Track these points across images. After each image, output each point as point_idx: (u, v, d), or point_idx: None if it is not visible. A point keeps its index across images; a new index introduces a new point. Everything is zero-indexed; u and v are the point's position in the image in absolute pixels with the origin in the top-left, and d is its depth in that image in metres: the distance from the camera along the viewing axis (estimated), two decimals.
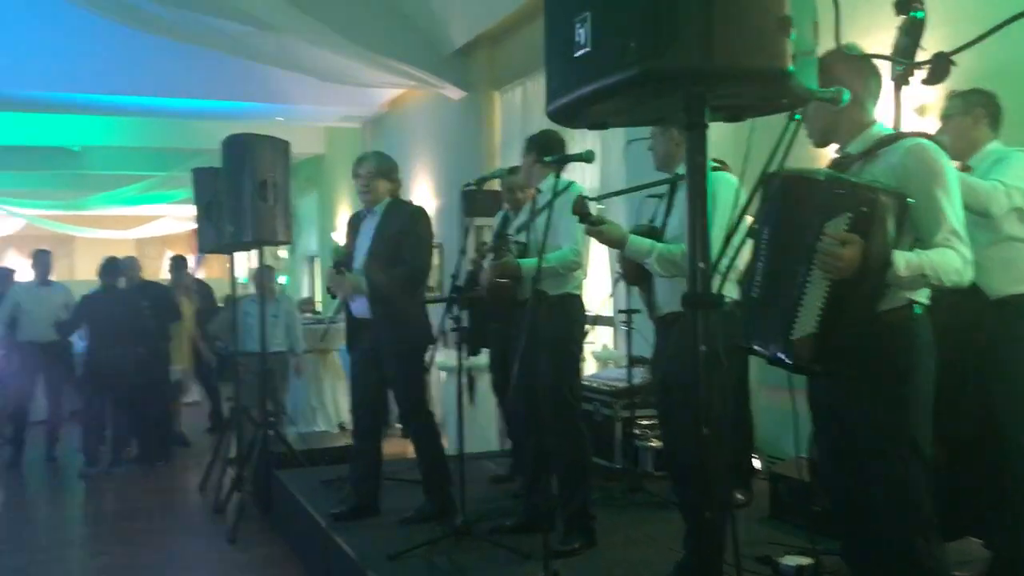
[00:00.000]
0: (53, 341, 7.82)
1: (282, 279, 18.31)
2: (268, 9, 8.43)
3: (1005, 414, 3.14)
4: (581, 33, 1.37)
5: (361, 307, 4.56)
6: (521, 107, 8.91)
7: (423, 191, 11.14)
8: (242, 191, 5.45)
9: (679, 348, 3.27)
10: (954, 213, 2.38)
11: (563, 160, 3.44)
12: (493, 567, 3.73)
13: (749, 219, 2.57)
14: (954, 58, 3.10)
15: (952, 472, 3.16)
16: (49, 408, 7.99)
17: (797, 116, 2.19)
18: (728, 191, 3.19)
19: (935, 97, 4.26)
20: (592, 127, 1.65)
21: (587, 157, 3.38)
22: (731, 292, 3.21)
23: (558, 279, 3.87)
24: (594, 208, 3.30)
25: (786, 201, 2.44)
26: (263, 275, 6.92)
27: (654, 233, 3.33)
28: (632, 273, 3.38)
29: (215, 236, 6.06)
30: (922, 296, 2.43)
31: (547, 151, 3.82)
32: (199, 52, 10.21)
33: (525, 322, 3.31)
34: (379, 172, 4.62)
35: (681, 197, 3.33)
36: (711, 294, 1.46)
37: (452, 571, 3.67)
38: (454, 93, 10.09)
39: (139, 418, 7.91)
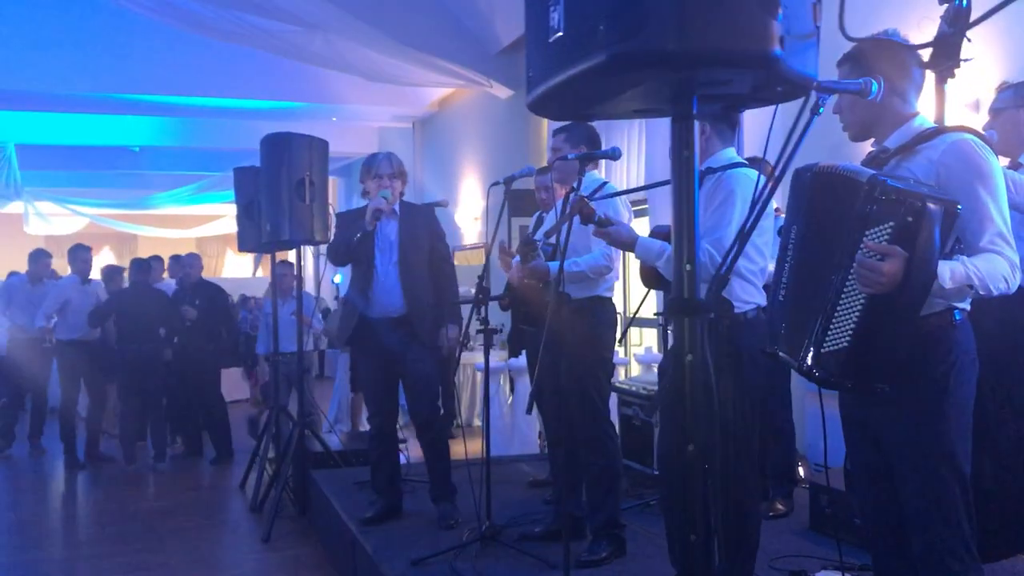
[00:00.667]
0: (94, 339, 7.90)
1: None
2: (313, 9, 8.44)
3: None
4: (555, 16, 1.26)
5: (383, 306, 4.50)
6: None
7: (472, 190, 11.10)
8: (280, 190, 5.44)
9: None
10: (1000, 215, 2.20)
11: (587, 157, 3.32)
12: (516, 575, 3.64)
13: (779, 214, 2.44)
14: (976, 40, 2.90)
15: (1001, 487, 2.98)
16: (90, 406, 8.06)
17: (821, 110, 2.08)
18: (747, 188, 3.04)
19: (989, 91, 4.06)
20: (576, 118, 1.54)
21: (612, 155, 3.26)
22: (756, 298, 3.09)
23: (587, 282, 3.76)
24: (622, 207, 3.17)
25: (819, 198, 2.27)
26: (279, 272, 6.91)
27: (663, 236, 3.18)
28: (646, 276, 3.22)
29: (255, 235, 6.07)
30: (963, 301, 2.26)
31: (576, 145, 3.71)
32: (253, 54, 10.35)
33: (546, 326, 3.19)
34: (397, 173, 4.61)
35: (702, 195, 3.18)
36: (698, 300, 1.34)
37: None
38: (502, 92, 10.04)
39: (180, 415, 8.00)
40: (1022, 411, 3.05)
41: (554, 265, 3.83)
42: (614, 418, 5.38)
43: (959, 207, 2.07)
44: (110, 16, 10.21)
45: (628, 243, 3.09)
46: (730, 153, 3.20)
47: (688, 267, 1.33)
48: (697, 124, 3.09)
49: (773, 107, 2.14)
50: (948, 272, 2.09)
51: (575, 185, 3.48)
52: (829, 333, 2.15)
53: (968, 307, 2.29)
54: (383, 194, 4.51)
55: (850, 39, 2.36)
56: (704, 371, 1.34)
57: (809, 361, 2.19)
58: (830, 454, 5.48)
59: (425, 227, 4.62)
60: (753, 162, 4.67)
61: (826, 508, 4.08)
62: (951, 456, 2.22)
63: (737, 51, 1.17)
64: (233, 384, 10.99)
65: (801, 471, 4.88)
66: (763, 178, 4.48)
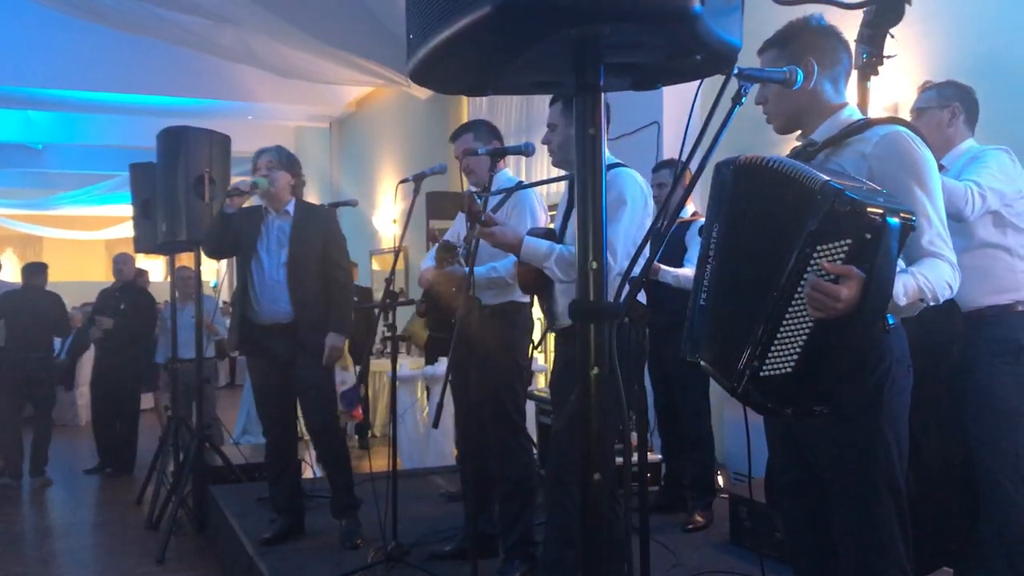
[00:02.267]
0: None
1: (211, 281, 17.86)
2: (223, 1, 8.08)
3: (978, 437, 2.86)
4: None
5: (270, 311, 4.21)
6: (488, 107, 8.62)
7: (390, 193, 10.84)
8: (176, 187, 5.13)
9: (569, 364, 2.96)
10: (936, 213, 2.05)
11: (498, 152, 3.13)
12: None
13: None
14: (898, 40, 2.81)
15: (925, 500, 2.89)
16: None
17: (743, 100, 1.91)
18: (635, 188, 2.89)
19: (909, 93, 3.99)
20: (468, 92, 1.34)
21: (525, 150, 3.06)
22: None
23: (503, 287, 3.55)
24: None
25: (747, 196, 2.07)
26: (177, 277, 6.56)
27: (551, 237, 2.98)
28: (528, 280, 3.00)
29: (153, 235, 5.71)
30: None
31: (486, 141, 3.49)
32: (161, 48, 9.94)
33: (455, 333, 2.98)
34: (282, 163, 4.28)
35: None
36: (606, 303, 1.14)
37: None
38: (421, 92, 9.81)
39: (101, 427, 7.57)
40: (945, 423, 2.96)
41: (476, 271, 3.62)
42: (531, 427, 5.20)
43: (913, 219, 1.87)
44: (8, 5, 9.69)
45: (514, 244, 2.86)
46: (608, 155, 3.03)
47: (594, 265, 1.13)
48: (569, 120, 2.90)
49: (691, 100, 1.98)
50: (902, 288, 1.93)
51: (486, 184, 3.29)
52: (769, 356, 1.93)
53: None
54: (256, 179, 4.20)
55: (814, 26, 2.18)
56: (614, 386, 1.14)
57: (744, 386, 1.98)
58: (751, 464, 5.41)
59: (320, 230, 4.29)
60: (667, 165, 4.58)
61: (746, 521, 3.95)
62: (886, 472, 2.05)
63: (649, 2, 0.97)
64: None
65: (720, 480, 4.76)
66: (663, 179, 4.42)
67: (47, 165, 16.43)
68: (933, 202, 2.05)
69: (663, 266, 4.15)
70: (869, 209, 1.80)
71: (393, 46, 9.41)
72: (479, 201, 2.87)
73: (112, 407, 7.48)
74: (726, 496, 4.37)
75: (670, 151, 5.38)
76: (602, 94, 1.15)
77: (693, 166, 1.89)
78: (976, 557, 3.00)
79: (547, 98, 2.88)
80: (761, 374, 1.94)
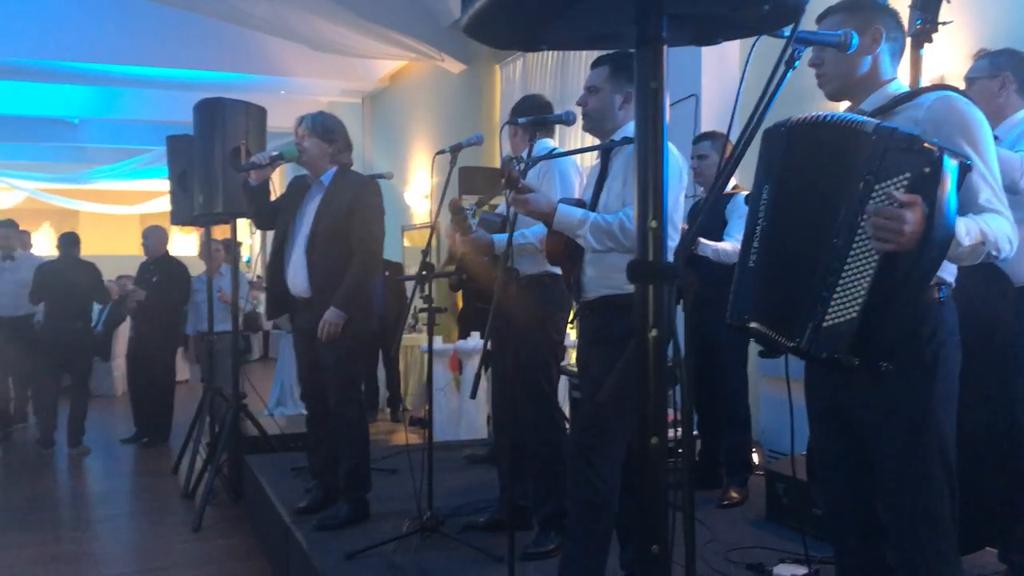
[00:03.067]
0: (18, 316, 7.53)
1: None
2: None
3: None
4: None
5: (294, 284, 4.16)
6: (521, 80, 8.56)
7: (422, 168, 10.82)
8: (213, 159, 5.13)
9: (596, 337, 2.90)
10: (991, 174, 2.02)
11: (538, 122, 3.08)
12: (459, 569, 3.41)
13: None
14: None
15: (968, 479, 2.84)
16: (13, 386, 7.72)
17: (796, 64, 1.86)
18: (672, 161, 2.78)
19: (957, 64, 3.90)
20: (523, 47, 1.30)
21: (566, 119, 3.02)
22: None
23: (539, 257, 3.52)
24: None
25: (801, 154, 2.05)
26: (209, 250, 6.59)
27: (582, 207, 2.90)
28: (557, 250, 2.93)
29: (189, 207, 5.73)
30: (949, 276, 2.08)
31: (524, 114, 3.44)
32: (198, 22, 9.97)
33: (493, 304, 2.94)
34: (314, 131, 4.12)
35: (618, 165, 2.88)
36: (666, 263, 1.11)
37: (414, 573, 3.35)
38: (454, 66, 9.77)
39: (138, 398, 7.65)
40: (992, 398, 2.91)
41: (499, 238, 3.59)
42: (564, 402, 5.20)
43: (969, 162, 1.87)
44: None
45: (547, 212, 2.78)
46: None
47: (654, 224, 1.10)
48: (620, 93, 2.85)
49: (730, 73, 1.93)
50: (964, 229, 1.88)
51: (523, 155, 3.24)
52: (833, 303, 1.90)
53: (953, 283, 2.10)
54: (282, 150, 4.12)
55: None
56: (673, 350, 1.11)
57: (808, 339, 1.94)
58: (786, 441, 5.36)
59: (347, 202, 4.08)
60: (708, 137, 4.51)
61: (783, 497, 3.92)
62: (939, 445, 2.03)
63: None
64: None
65: (756, 458, 4.72)
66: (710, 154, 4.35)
67: (83, 140, 16.57)
68: (987, 163, 2.01)
69: (702, 239, 4.10)
70: (925, 144, 1.82)
71: (426, 20, 9.37)
72: (518, 168, 2.81)
73: (147, 378, 7.57)
74: (761, 473, 4.33)
75: (708, 124, 5.30)
76: (664, 47, 1.11)
77: (735, 136, 1.84)
78: (1019, 537, 2.95)
79: (581, 69, 2.84)
80: (825, 324, 1.91)
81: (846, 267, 1.89)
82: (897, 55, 2.20)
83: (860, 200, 1.87)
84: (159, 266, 7.54)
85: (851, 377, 2.05)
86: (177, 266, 7.61)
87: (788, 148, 2.07)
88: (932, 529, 2.02)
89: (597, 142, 3.00)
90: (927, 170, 1.80)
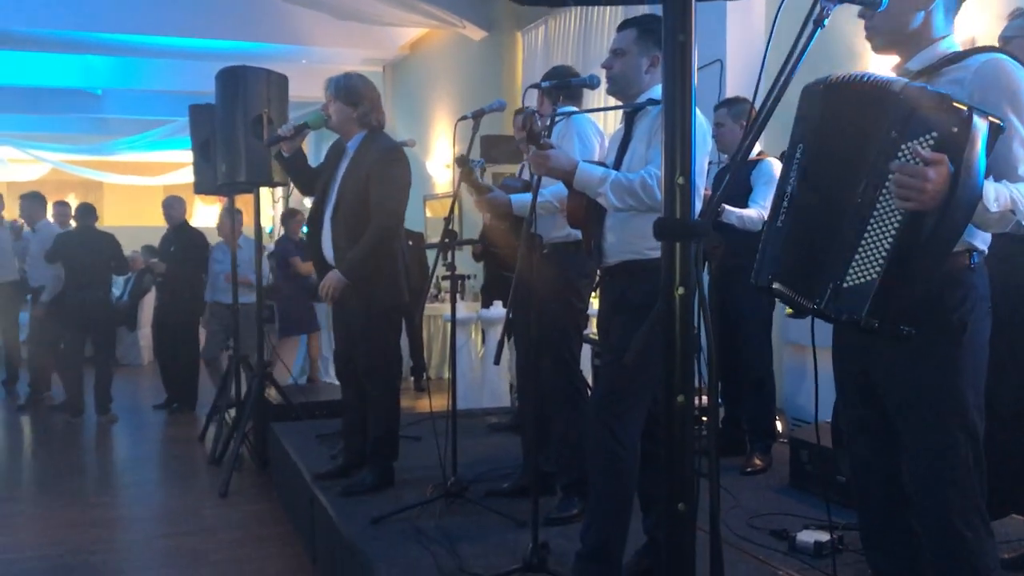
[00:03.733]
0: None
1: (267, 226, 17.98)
2: None
3: None
4: None
5: (328, 252, 4.13)
6: (543, 47, 8.48)
7: (444, 137, 10.79)
8: (235, 128, 5.14)
9: (617, 303, 2.86)
10: None
11: (561, 85, 3.06)
12: (483, 533, 3.44)
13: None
14: None
15: (995, 446, 2.82)
16: (30, 351, 7.86)
17: (824, 23, 1.82)
18: (698, 128, 2.69)
19: (988, 25, 3.82)
20: (549, 2, 1.28)
21: (590, 83, 2.99)
22: None
23: (557, 223, 3.50)
24: None
25: (836, 112, 1.99)
26: (229, 219, 6.61)
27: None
28: (578, 212, 2.87)
29: (212, 177, 5.75)
30: (981, 243, 2.03)
31: (550, 79, 3.40)
32: None
33: (516, 271, 2.93)
34: (337, 94, 4.03)
35: (642, 128, 2.82)
36: (694, 220, 1.10)
37: (438, 537, 3.38)
38: (475, 33, 9.70)
39: (165, 367, 7.76)
40: (1019, 367, 2.87)
41: (517, 198, 3.57)
42: (587, 370, 5.20)
43: (1002, 124, 1.82)
44: None
45: (568, 171, 2.71)
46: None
47: (681, 180, 1.08)
48: (646, 56, 2.80)
49: (755, 38, 1.88)
50: (993, 192, 1.83)
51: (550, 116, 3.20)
52: (853, 264, 1.87)
53: (986, 250, 2.05)
54: (307, 120, 4.07)
55: None
56: (699, 306, 1.10)
57: (827, 300, 1.90)
58: (808, 408, 5.36)
59: (368, 166, 3.97)
60: (725, 104, 4.45)
61: (807, 464, 3.91)
62: (964, 411, 1.99)
63: None
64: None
65: (779, 426, 4.71)
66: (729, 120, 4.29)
67: (106, 111, 16.62)
68: None
69: (727, 206, 4.06)
70: (954, 103, 1.79)
71: None
72: (540, 124, 2.76)
73: (172, 346, 7.65)
74: (785, 441, 4.32)
75: (733, 89, 5.24)
76: (693, 1, 1.09)
77: (760, 102, 1.80)
78: None
79: (604, 35, 2.78)
80: (845, 285, 1.88)
81: (869, 227, 1.86)
82: (952, 11, 2.09)
83: (886, 158, 1.83)
84: (177, 235, 7.61)
85: (877, 342, 2.02)
86: (195, 235, 7.67)
87: (823, 106, 2.02)
88: (958, 497, 1.99)
89: None
90: (955, 129, 1.77)
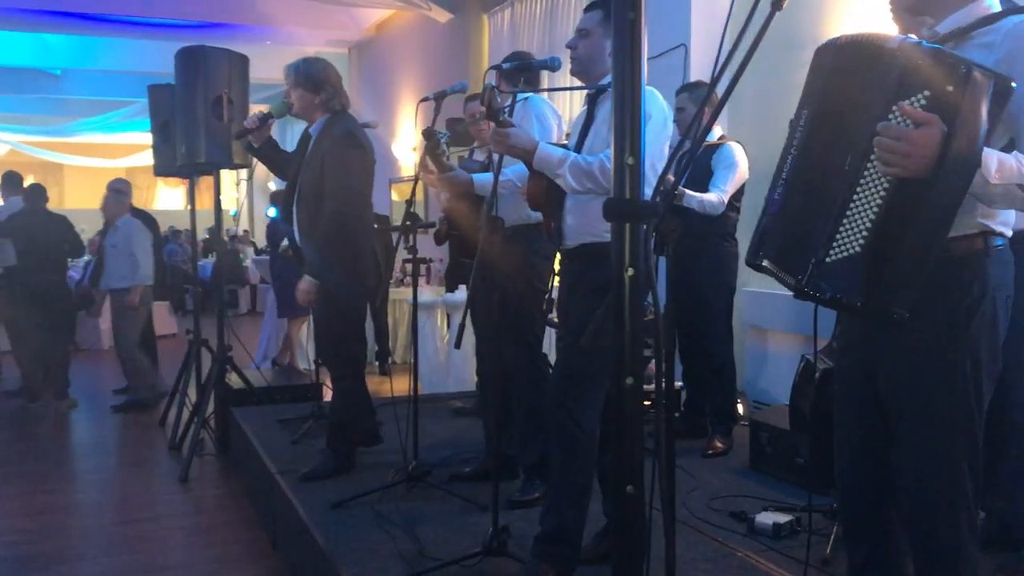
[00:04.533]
0: None
1: (271, 211, 17.88)
2: None
3: (1012, 370, 2.78)
4: None
5: (297, 237, 4.10)
6: (509, 30, 8.45)
7: (410, 119, 10.72)
8: (195, 108, 5.06)
9: (576, 285, 2.84)
10: None
11: (521, 68, 3.04)
12: (444, 517, 3.43)
13: None
14: None
15: None
16: None
17: (783, 6, 1.78)
18: (658, 107, 2.72)
19: None
20: None
21: (551, 65, 2.97)
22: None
23: (518, 205, 3.49)
24: None
25: (839, 74, 1.81)
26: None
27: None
28: (538, 193, 2.85)
29: (171, 158, 5.66)
30: (1001, 225, 1.83)
31: (515, 82, 3.36)
32: None
33: (477, 254, 2.91)
34: (297, 81, 3.97)
35: (605, 111, 2.78)
36: (643, 201, 1.09)
37: (399, 521, 3.36)
38: (441, 15, 9.64)
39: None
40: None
41: (479, 177, 3.54)
42: (550, 353, 5.20)
43: (1014, 85, 1.63)
44: None
45: (528, 150, 2.68)
46: None
47: (631, 160, 1.07)
48: (611, 38, 2.77)
49: (720, 22, 1.83)
50: (995, 162, 1.63)
51: (507, 103, 3.17)
52: (837, 237, 1.71)
53: (1010, 232, 1.85)
54: (272, 108, 4.04)
55: None
56: (647, 287, 1.09)
57: (809, 277, 1.74)
58: (768, 391, 5.42)
59: (323, 154, 3.89)
60: (686, 88, 4.46)
61: (767, 447, 3.95)
62: (963, 415, 1.82)
63: None
64: (159, 318, 10.57)
65: (740, 409, 4.75)
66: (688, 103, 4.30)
67: (66, 91, 16.32)
68: None
69: (687, 190, 4.07)
70: (950, 60, 1.63)
71: None
72: (499, 100, 2.73)
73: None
74: (746, 424, 4.36)
75: (697, 74, 5.25)
76: None
77: (721, 87, 1.76)
78: (998, 485, 2.97)
79: (569, 18, 2.77)
80: (828, 260, 1.73)
81: (855, 196, 1.70)
82: None
83: (877, 120, 1.66)
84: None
85: (880, 334, 1.88)
86: (147, 219, 7.55)
87: (831, 69, 1.84)
88: (951, 500, 1.86)
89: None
90: (950, 88, 1.60)
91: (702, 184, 4.17)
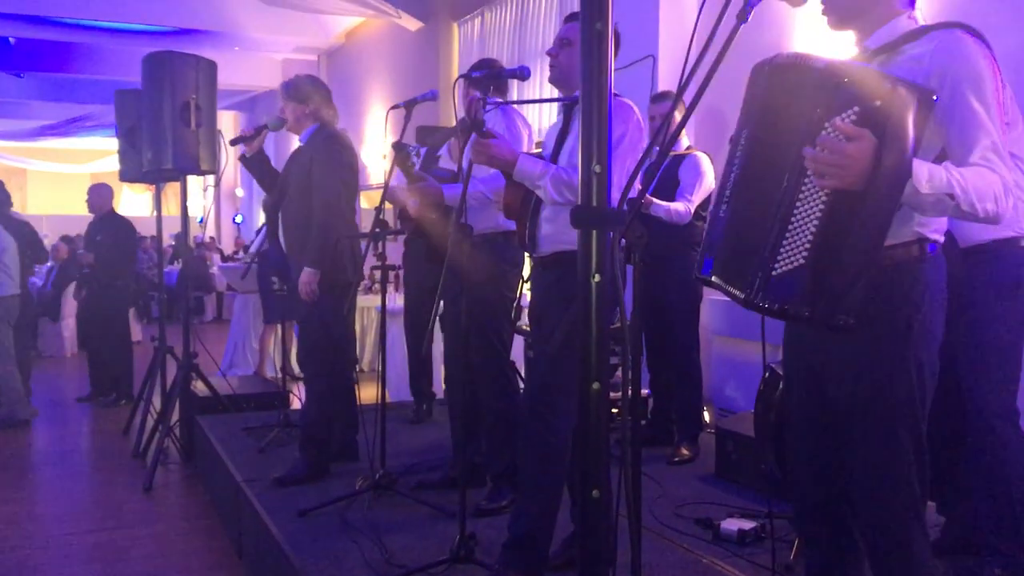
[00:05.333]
0: None
1: (239, 217, 17.77)
2: None
3: (970, 372, 2.85)
4: None
5: (284, 242, 4.30)
6: (479, 39, 8.48)
7: (379, 127, 10.70)
8: (162, 114, 5.03)
9: (549, 293, 2.87)
10: (994, 127, 1.82)
11: (491, 77, 3.05)
12: (412, 525, 3.43)
13: None
14: None
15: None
16: None
17: (747, 19, 1.81)
18: (633, 119, 2.78)
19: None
20: None
21: (520, 74, 2.98)
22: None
23: (490, 212, 3.50)
24: None
25: (775, 94, 1.89)
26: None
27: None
28: (514, 202, 2.91)
29: (138, 164, 5.61)
30: (934, 232, 1.92)
31: (485, 88, 3.38)
32: None
33: (445, 262, 2.92)
34: (290, 95, 4.20)
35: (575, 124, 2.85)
36: (610, 208, 1.10)
37: (366, 529, 3.35)
38: (411, 24, 9.65)
39: (93, 359, 7.52)
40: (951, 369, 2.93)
41: (448, 188, 3.56)
42: (519, 361, 5.21)
43: (935, 98, 1.73)
44: None
45: (509, 161, 2.73)
46: None
47: (598, 168, 1.09)
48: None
49: (688, 33, 1.85)
50: (926, 173, 1.72)
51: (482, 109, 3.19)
52: (782, 251, 1.78)
53: (942, 238, 1.95)
54: (268, 121, 4.35)
55: None
56: (615, 295, 1.11)
57: (756, 290, 1.81)
58: (735, 399, 5.45)
59: (309, 156, 4.12)
60: (664, 97, 4.50)
61: (732, 454, 3.98)
62: (909, 414, 1.90)
63: None
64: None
65: (706, 416, 4.78)
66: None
67: (29, 95, 16.11)
68: (991, 113, 1.82)
69: (655, 199, 4.11)
70: (876, 75, 1.73)
71: None
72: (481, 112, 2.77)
73: (100, 338, 7.44)
74: (712, 432, 4.39)
75: (665, 84, 5.30)
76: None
77: (688, 97, 1.79)
78: (958, 490, 3.02)
79: (539, 27, 2.78)
80: (774, 274, 1.79)
81: (795, 210, 1.77)
82: None
83: (812, 137, 1.73)
84: (104, 224, 7.40)
85: (827, 338, 1.94)
86: (123, 223, 7.48)
87: (768, 88, 1.91)
88: (899, 495, 1.92)
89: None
90: (877, 103, 1.69)
91: (669, 193, 4.21)
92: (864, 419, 1.94)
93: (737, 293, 1.89)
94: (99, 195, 7.43)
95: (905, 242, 1.88)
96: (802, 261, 1.76)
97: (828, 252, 1.74)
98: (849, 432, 1.98)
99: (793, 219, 1.78)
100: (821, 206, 1.74)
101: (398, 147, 3.45)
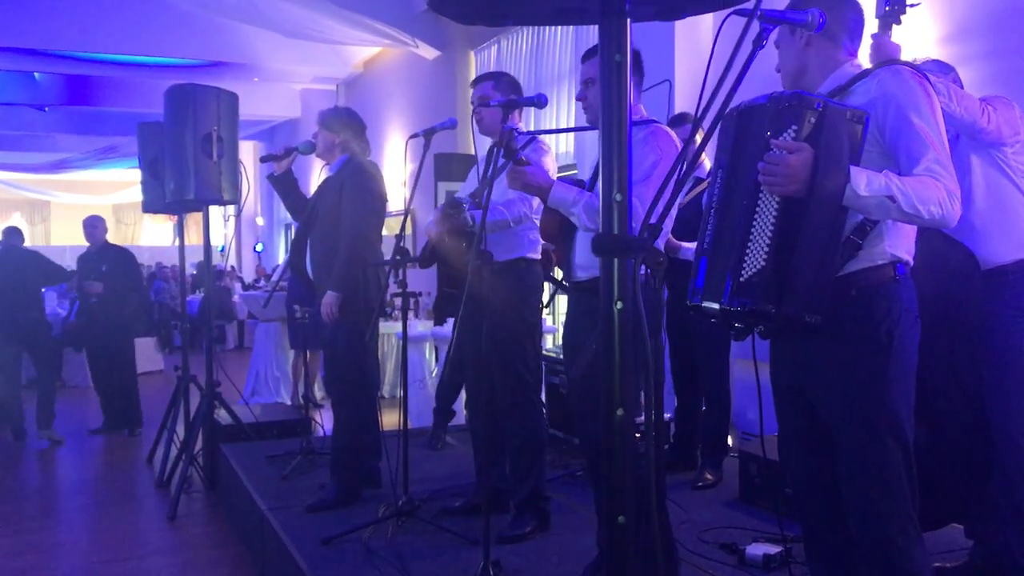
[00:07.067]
0: None
1: (259, 246, 17.94)
2: None
3: (994, 394, 2.83)
4: None
5: (310, 268, 4.37)
6: (496, 66, 8.54)
7: (398, 155, 10.79)
8: (184, 146, 5.09)
9: (585, 319, 2.93)
10: (938, 141, 2.04)
11: (510, 104, 3.08)
12: (435, 552, 3.42)
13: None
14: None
15: (935, 456, 2.88)
16: None
17: (764, 43, 1.88)
18: (671, 146, 2.79)
19: (926, 48, 3.93)
20: (488, 22, 1.30)
21: (538, 102, 3.02)
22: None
23: (511, 241, 3.52)
24: None
25: (739, 134, 2.15)
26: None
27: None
28: (552, 227, 2.97)
29: (160, 195, 5.69)
30: (905, 253, 2.12)
31: (504, 93, 3.43)
32: (172, 9, 9.87)
33: (466, 288, 2.94)
34: (322, 123, 4.31)
35: None
36: (631, 236, 1.12)
37: (390, 557, 3.35)
38: (428, 52, 9.74)
39: (102, 387, 7.57)
40: (962, 378, 2.93)
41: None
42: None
43: (866, 115, 2.00)
44: None
45: (544, 187, 2.81)
46: (640, 109, 2.98)
47: (619, 197, 1.10)
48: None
49: (704, 57, 1.95)
50: (864, 178, 1.95)
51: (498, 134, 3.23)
52: (746, 258, 2.00)
53: (911, 261, 2.14)
54: (299, 144, 4.43)
55: None
56: (636, 322, 1.12)
57: (729, 296, 2.02)
58: (758, 423, 5.40)
59: (339, 184, 4.20)
60: (680, 120, 4.51)
61: (756, 478, 3.96)
62: (894, 423, 2.07)
63: None
64: (146, 355, 10.53)
65: (729, 440, 4.76)
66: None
67: (53, 128, 16.35)
68: (933, 131, 2.04)
69: (683, 244, 4.05)
70: (808, 96, 1.98)
71: (400, 5, 9.32)
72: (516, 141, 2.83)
73: (107, 367, 7.49)
74: (735, 455, 4.37)
75: (681, 108, 5.32)
76: (628, 20, 1.12)
77: (707, 123, 1.89)
78: (985, 514, 2.99)
79: (555, 55, 2.81)
80: (741, 279, 2.00)
81: (754, 221, 2.00)
82: (843, 34, 2.22)
83: (760, 156, 1.97)
84: (104, 254, 7.48)
85: (810, 355, 2.12)
86: (124, 253, 7.57)
87: (736, 132, 2.14)
88: (890, 505, 2.06)
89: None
90: (811, 120, 1.95)
91: (693, 224, 4.18)
92: (853, 433, 2.09)
93: (714, 306, 2.09)
94: (95, 226, 7.53)
95: (879, 264, 2.08)
96: (763, 263, 1.97)
97: (786, 253, 1.96)
98: (839, 446, 2.13)
99: (753, 229, 2.01)
100: (775, 213, 1.98)
101: (453, 203, 3.47)
